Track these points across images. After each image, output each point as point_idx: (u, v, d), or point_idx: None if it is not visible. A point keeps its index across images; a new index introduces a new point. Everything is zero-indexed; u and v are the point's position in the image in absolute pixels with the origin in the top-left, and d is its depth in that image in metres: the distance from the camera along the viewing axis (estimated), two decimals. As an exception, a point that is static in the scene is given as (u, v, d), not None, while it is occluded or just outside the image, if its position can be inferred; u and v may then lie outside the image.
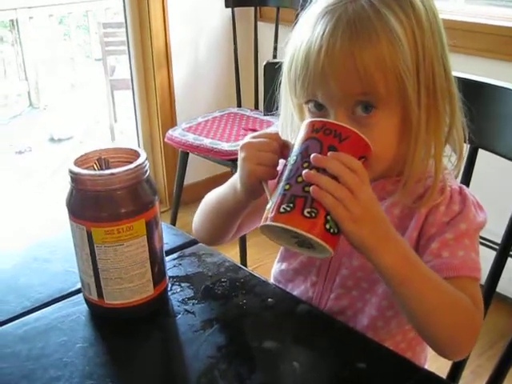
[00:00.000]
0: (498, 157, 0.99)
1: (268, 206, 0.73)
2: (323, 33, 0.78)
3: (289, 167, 0.73)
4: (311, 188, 0.69)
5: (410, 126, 0.81)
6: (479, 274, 0.82)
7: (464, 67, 0.92)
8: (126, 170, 0.77)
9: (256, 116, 2.54)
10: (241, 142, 0.84)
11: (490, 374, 1.02)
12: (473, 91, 0.91)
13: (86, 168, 0.81)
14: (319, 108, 0.82)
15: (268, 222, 0.71)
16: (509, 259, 1.00)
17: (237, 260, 2.24)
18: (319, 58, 0.78)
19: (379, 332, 0.91)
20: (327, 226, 0.69)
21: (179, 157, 2.45)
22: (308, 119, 0.77)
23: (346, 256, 0.90)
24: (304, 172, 0.70)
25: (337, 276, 0.92)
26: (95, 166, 0.82)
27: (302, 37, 0.82)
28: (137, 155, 0.81)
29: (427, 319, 0.78)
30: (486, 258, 0.95)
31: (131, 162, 0.79)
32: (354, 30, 0.77)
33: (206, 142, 2.27)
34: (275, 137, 0.82)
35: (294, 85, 0.84)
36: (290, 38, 0.85)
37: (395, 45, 0.77)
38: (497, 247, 1.00)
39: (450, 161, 0.88)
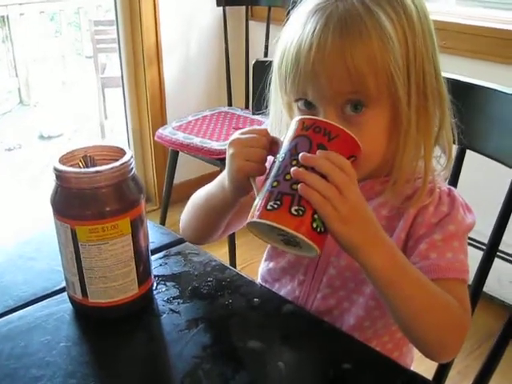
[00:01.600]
0: (486, 158, 0.99)
1: (255, 203, 0.72)
2: (314, 30, 0.78)
3: (277, 164, 0.73)
4: (299, 186, 0.69)
5: (400, 125, 0.81)
6: (467, 276, 0.82)
7: (453, 68, 0.91)
8: (112, 168, 0.76)
9: (246, 115, 2.53)
10: (229, 139, 0.83)
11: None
12: (461, 92, 0.91)
13: (72, 166, 0.80)
14: (309, 106, 0.82)
15: (254, 219, 0.70)
16: (496, 259, 1.00)
17: (226, 259, 2.23)
18: (310, 55, 0.78)
19: (366, 332, 0.91)
20: (314, 225, 0.69)
21: (169, 155, 2.44)
22: (298, 116, 0.77)
23: (334, 255, 0.90)
24: (292, 169, 0.70)
25: (324, 275, 0.92)
26: (80, 164, 0.81)
27: (292, 34, 0.81)
28: (122, 153, 0.80)
29: (414, 321, 0.78)
30: (473, 257, 0.95)
31: (117, 160, 0.78)
32: (344, 28, 0.77)
33: (196, 140, 2.26)
34: (264, 132, 0.82)
35: (284, 82, 0.83)
36: (281, 35, 0.85)
37: (386, 43, 0.77)
38: (484, 247, 1.00)
39: (439, 162, 0.88)
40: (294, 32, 0.81)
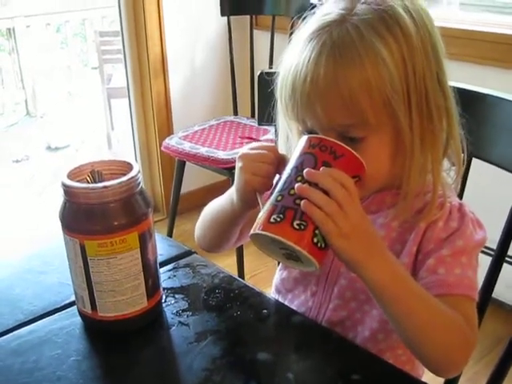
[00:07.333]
0: (493, 165, 0.99)
1: (259, 216, 0.74)
2: (308, 60, 0.78)
3: (283, 179, 0.74)
4: (302, 202, 0.70)
5: (404, 146, 0.80)
6: (475, 294, 0.81)
7: (457, 74, 0.91)
8: (119, 183, 0.77)
9: (252, 124, 2.53)
10: (239, 152, 0.84)
11: (486, 380, 1.01)
12: (466, 100, 0.91)
13: (79, 181, 0.81)
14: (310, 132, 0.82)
15: (257, 231, 0.72)
16: (504, 265, 1.00)
17: (234, 269, 2.23)
18: (305, 86, 0.78)
19: (380, 344, 0.90)
20: (315, 240, 0.70)
21: (176, 165, 2.44)
22: (306, 135, 0.77)
23: (344, 266, 0.90)
24: (296, 185, 0.71)
25: (335, 286, 0.92)
26: (88, 179, 0.82)
27: (290, 61, 0.82)
28: (130, 167, 0.81)
29: (418, 338, 0.77)
30: (482, 264, 0.94)
31: (124, 174, 0.79)
32: (337, 56, 0.77)
33: (203, 150, 2.26)
34: (273, 149, 0.83)
35: (285, 109, 0.84)
36: (282, 59, 0.85)
37: (380, 68, 0.76)
38: (492, 253, 1.00)
39: (449, 175, 0.87)
40: (292, 59, 0.81)
